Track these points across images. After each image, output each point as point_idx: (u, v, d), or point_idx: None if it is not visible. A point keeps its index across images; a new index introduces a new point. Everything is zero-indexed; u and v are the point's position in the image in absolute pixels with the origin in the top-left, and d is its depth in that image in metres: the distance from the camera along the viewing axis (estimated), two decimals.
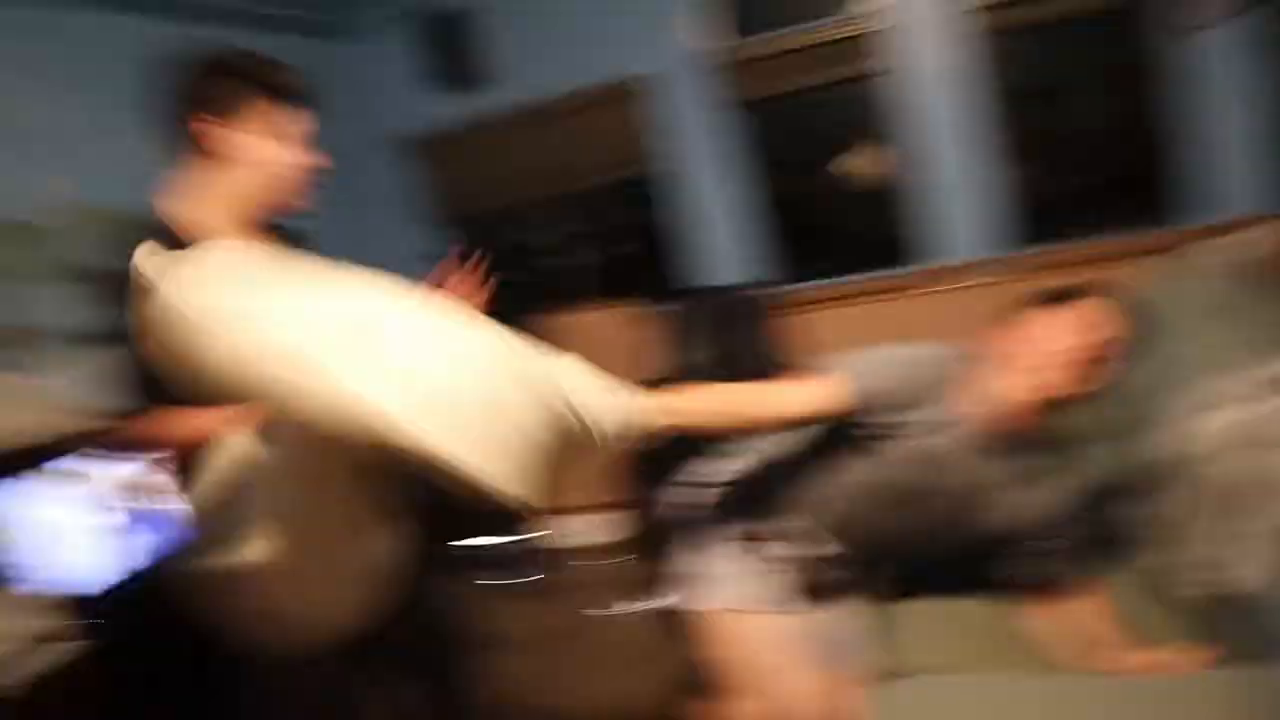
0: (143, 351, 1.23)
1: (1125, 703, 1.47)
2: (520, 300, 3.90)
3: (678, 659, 2.64)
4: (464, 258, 1.76)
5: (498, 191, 4.15)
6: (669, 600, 3.06)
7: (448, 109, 4.05)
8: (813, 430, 1.77)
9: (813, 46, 3.58)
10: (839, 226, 4.02)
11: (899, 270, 3.73)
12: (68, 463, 2.36)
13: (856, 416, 1.64)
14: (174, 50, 1.50)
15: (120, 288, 1.33)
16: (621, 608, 3.17)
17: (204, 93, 1.46)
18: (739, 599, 1.77)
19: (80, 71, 2.85)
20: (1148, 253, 2.75)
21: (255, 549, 1.20)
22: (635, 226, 4.28)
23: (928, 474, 1.68)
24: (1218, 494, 1.67)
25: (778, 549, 1.79)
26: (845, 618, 1.88)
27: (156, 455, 1.43)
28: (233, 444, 1.30)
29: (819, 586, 1.83)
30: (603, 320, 3.87)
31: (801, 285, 3.84)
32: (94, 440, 2.43)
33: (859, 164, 3.85)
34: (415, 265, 1.78)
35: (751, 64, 3.66)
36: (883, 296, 3.66)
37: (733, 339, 3.55)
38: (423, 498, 1.43)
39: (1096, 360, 1.60)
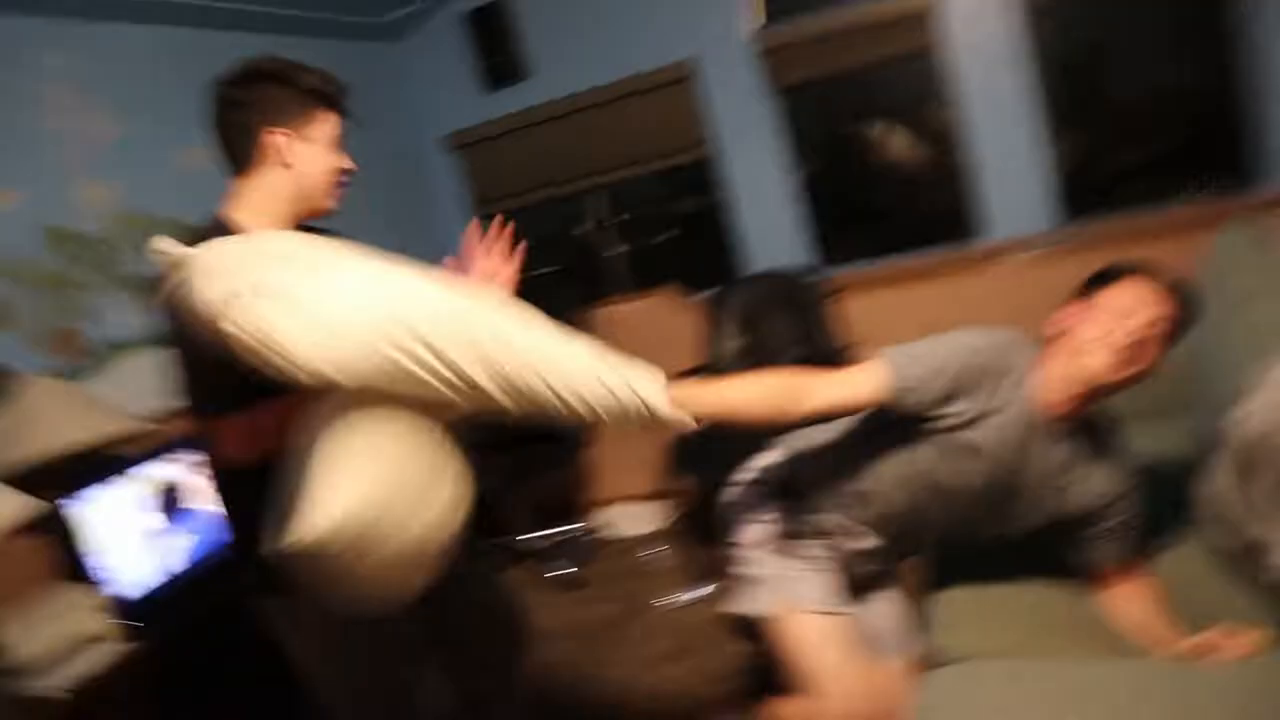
0: (206, 346, 1.28)
1: (1181, 687, 1.44)
2: (564, 291, 3.94)
3: (723, 649, 2.65)
4: (491, 231, 1.73)
5: (541, 185, 4.17)
6: (713, 590, 3.07)
7: (490, 105, 4.08)
8: (859, 418, 1.74)
9: (856, 26, 3.52)
10: (887, 207, 3.98)
11: (950, 249, 3.66)
12: (125, 467, 2.42)
13: (903, 405, 1.62)
14: (230, 62, 1.56)
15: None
16: (667, 598, 3.17)
17: (272, 103, 1.52)
18: (791, 600, 1.74)
19: (128, 82, 2.91)
20: (1205, 224, 2.67)
21: (338, 513, 1.24)
22: (678, 215, 4.29)
23: (978, 462, 1.64)
24: (1276, 473, 1.62)
25: (822, 547, 1.77)
26: (890, 607, 1.87)
27: (236, 450, 1.45)
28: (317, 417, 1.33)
29: (862, 579, 1.81)
30: (646, 310, 3.87)
31: (849, 268, 3.80)
32: (157, 443, 2.51)
33: (906, 143, 3.80)
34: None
35: (794, 47, 3.61)
36: (933, 277, 3.60)
37: (775, 326, 3.52)
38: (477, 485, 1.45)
39: (1154, 340, 1.56)
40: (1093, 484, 1.67)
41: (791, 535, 1.79)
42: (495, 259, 1.71)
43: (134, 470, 2.43)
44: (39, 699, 2.04)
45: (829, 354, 3.30)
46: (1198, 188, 3.35)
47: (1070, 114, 3.43)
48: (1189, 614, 1.67)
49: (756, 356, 3.40)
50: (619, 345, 1.48)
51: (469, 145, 4.22)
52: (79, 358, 2.60)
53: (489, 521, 3.62)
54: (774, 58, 3.65)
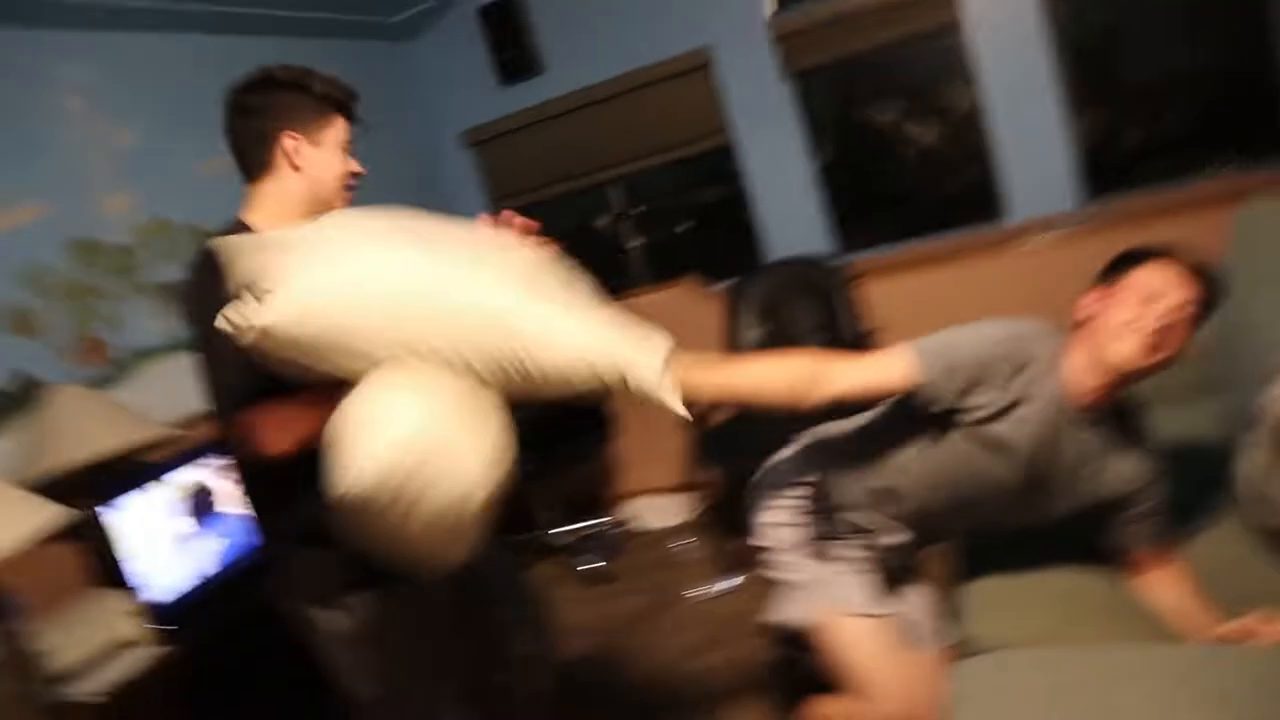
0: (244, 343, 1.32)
1: (1218, 673, 1.41)
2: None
3: (754, 642, 2.64)
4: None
5: (558, 178, 4.17)
6: (743, 581, 3.06)
7: (505, 100, 4.08)
8: (884, 414, 1.73)
9: (873, 7, 3.47)
10: (908, 191, 3.94)
11: (972, 232, 3.62)
12: (154, 474, 2.45)
13: (927, 395, 1.59)
14: (245, 67, 1.60)
15: (206, 294, 1.43)
16: (697, 590, 3.16)
17: (285, 110, 1.56)
18: (834, 604, 1.71)
19: (145, 91, 2.93)
20: (1226, 200, 2.62)
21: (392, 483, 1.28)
22: (697, 205, 4.27)
23: (1007, 455, 1.61)
24: None
25: (857, 546, 1.75)
26: (921, 598, 1.85)
27: (272, 442, 1.46)
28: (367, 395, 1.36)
29: (896, 574, 1.79)
30: (667, 301, 3.86)
31: (870, 253, 3.77)
32: (185, 448, 2.53)
33: (926, 125, 3.76)
34: None
35: (810, 30, 3.57)
36: (955, 260, 3.54)
37: (796, 314, 3.50)
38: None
39: (1182, 324, 1.52)
40: (1123, 469, 1.64)
41: (825, 536, 1.75)
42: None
43: (163, 476, 2.45)
44: (75, 704, 2.07)
45: (851, 341, 3.28)
46: (1219, 165, 3.29)
47: (1090, 92, 3.38)
48: (1226, 598, 1.64)
49: (778, 345, 3.38)
50: None
51: (485, 141, 4.22)
52: (105, 366, 2.63)
53: (517, 516, 3.63)
54: (790, 42, 3.61)
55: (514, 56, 3.97)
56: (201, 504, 2.53)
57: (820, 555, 1.75)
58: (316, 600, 1.64)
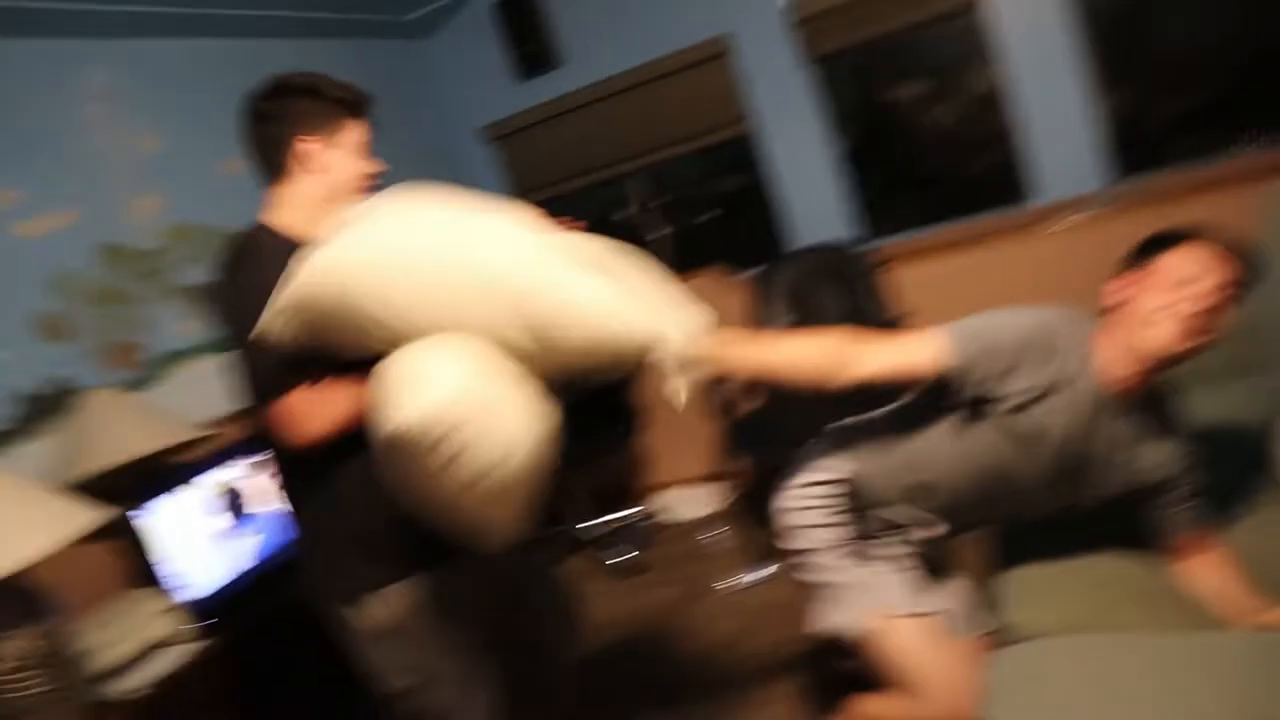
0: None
1: (1264, 659, 1.38)
2: None
3: (788, 633, 2.64)
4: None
5: (580, 171, 4.16)
6: (774, 571, 3.05)
7: (525, 94, 4.07)
8: (917, 406, 1.70)
9: None
10: (933, 174, 3.89)
11: (999, 214, 3.57)
12: (188, 473, 2.48)
13: (959, 380, 1.57)
14: (265, 69, 1.65)
15: (238, 286, 1.51)
16: (728, 581, 3.16)
17: (301, 116, 1.60)
18: (881, 607, 1.68)
19: (168, 96, 2.96)
20: (1258, 176, 2.56)
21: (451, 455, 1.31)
22: (720, 194, 4.25)
23: (1042, 443, 1.58)
24: None
25: (896, 543, 1.72)
26: (958, 587, 1.82)
27: (312, 425, 1.49)
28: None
29: (932, 565, 1.76)
30: (693, 291, 3.82)
31: (897, 238, 3.73)
32: (219, 448, 2.56)
33: (950, 107, 3.71)
34: None
35: (830, 14, 3.53)
36: (984, 243, 3.50)
37: (823, 301, 3.47)
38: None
39: (1219, 306, 1.49)
40: (1157, 456, 1.61)
41: (863, 536, 1.72)
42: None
43: (198, 475, 2.49)
44: (113, 702, 2.10)
45: (878, 327, 3.24)
46: (1249, 141, 3.22)
47: (1117, 68, 3.31)
48: (1270, 584, 1.61)
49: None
50: None
51: (506, 136, 4.21)
52: (136, 370, 2.66)
53: (548, 509, 3.64)
54: (809, 27, 3.58)
55: (532, 50, 3.96)
56: (234, 502, 2.56)
57: (859, 556, 1.72)
58: (349, 594, 1.66)
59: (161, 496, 2.37)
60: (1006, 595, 1.80)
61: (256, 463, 2.59)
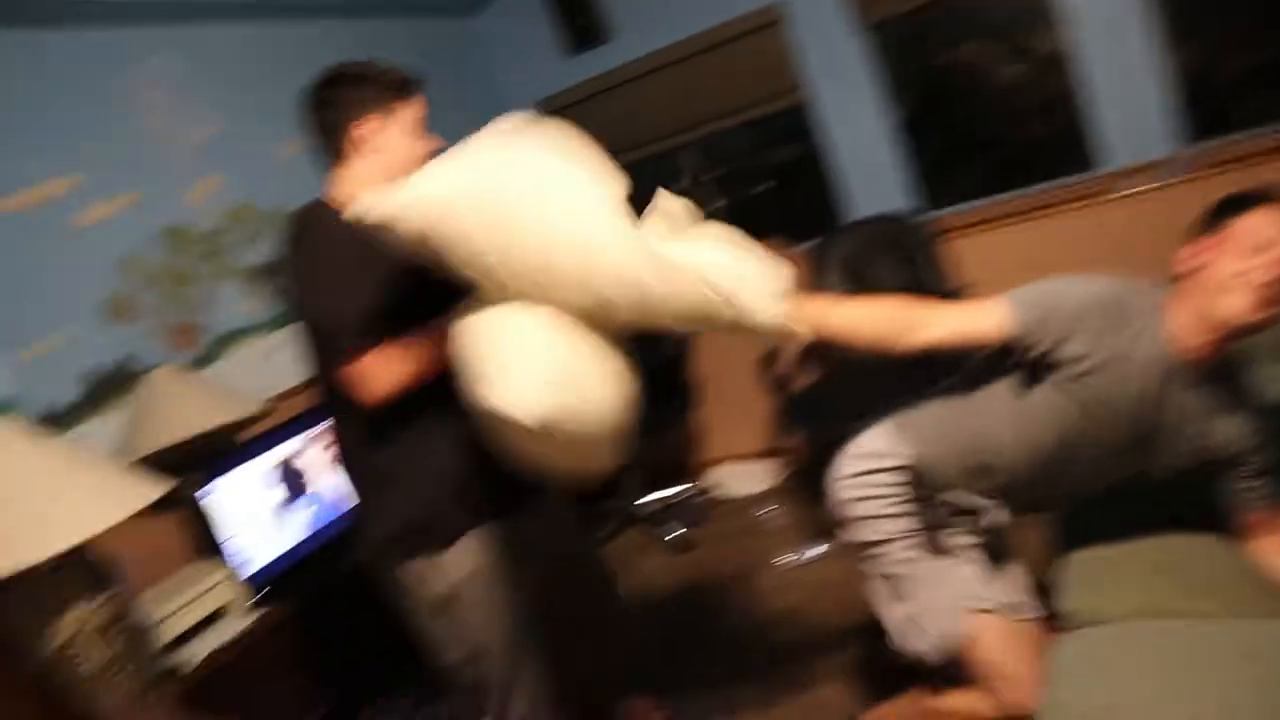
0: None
1: None
2: None
3: (839, 611, 2.61)
4: None
5: (633, 145, 4.12)
6: (826, 549, 3.02)
7: (576, 69, 4.05)
8: (979, 369, 1.65)
9: None
10: (993, 142, 3.77)
11: (1064, 182, 3.45)
12: (248, 448, 2.53)
13: (1023, 345, 1.52)
14: (319, 50, 1.72)
15: (305, 255, 1.62)
16: (782, 558, 3.13)
17: (355, 101, 1.69)
18: (960, 604, 1.62)
19: (225, 80, 3.00)
20: None
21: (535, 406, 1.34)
22: (775, 165, 4.18)
23: (1108, 413, 1.53)
24: None
25: (963, 532, 1.67)
26: (1018, 572, 1.77)
27: (381, 382, 1.57)
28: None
29: (995, 554, 1.71)
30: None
31: (956, 208, 3.63)
32: (277, 423, 2.61)
33: (1010, 71, 3.59)
34: None
35: None
36: (1047, 212, 3.38)
37: (881, 273, 3.41)
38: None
39: None
40: (1228, 429, 1.54)
41: (932, 525, 1.66)
42: None
43: (257, 450, 2.54)
44: (176, 670, 2.16)
45: (939, 299, 3.17)
46: None
47: (1187, 23, 3.15)
48: None
49: None
50: None
51: (557, 112, 4.20)
52: (197, 348, 2.72)
53: (603, 485, 3.65)
54: None
55: (582, 24, 3.93)
56: (293, 476, 2.61)
57: (931, 547, 1.65)
58: (423, 546, 1.73)
59: (222, 471, 2.42)
60: (1068, 580, 1.74)
61: (314, 437, 2.64)
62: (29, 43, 2.48)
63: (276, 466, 2.57)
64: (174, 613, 2.22)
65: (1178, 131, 3.20)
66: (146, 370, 2.46)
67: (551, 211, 1.35)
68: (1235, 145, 3.08)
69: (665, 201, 1.49)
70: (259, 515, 2.49)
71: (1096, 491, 1.73)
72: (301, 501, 2.62)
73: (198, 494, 2.36)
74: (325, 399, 1.75)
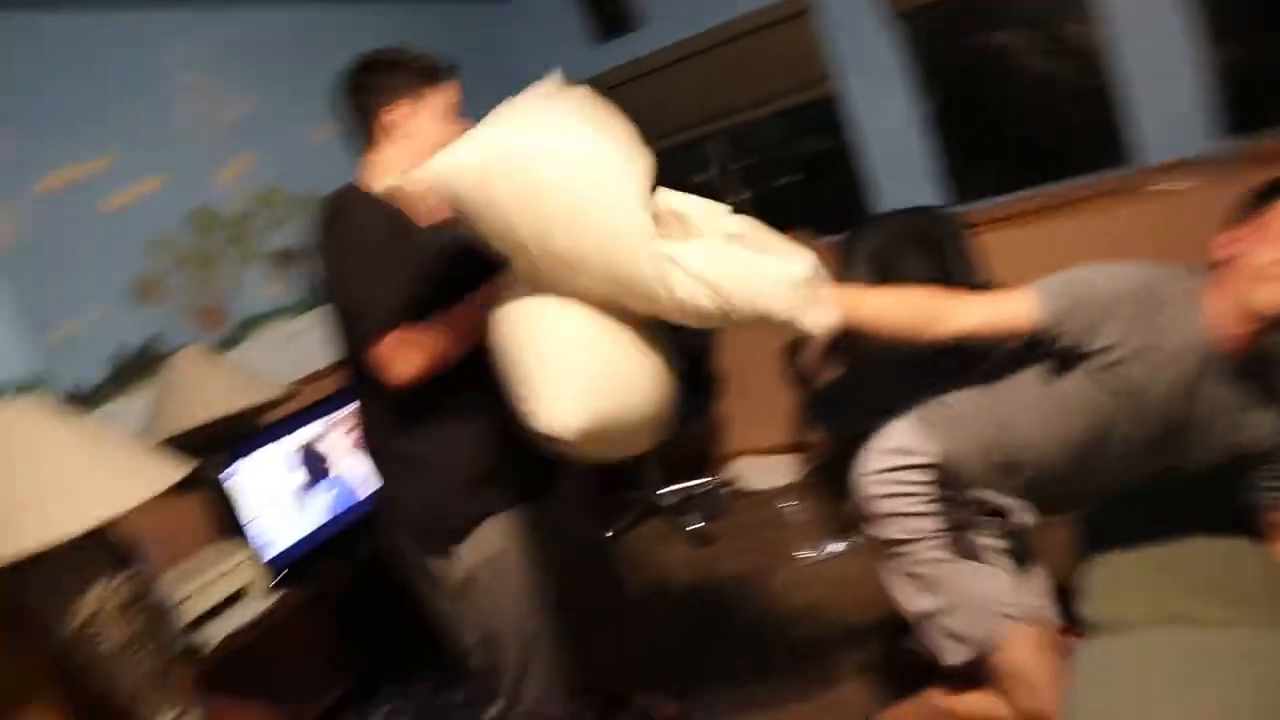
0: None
1: None
2: None
3: (858, 608, 2.59)
4: None
5: (660, 134, 4.09)
6: (847, 545, 3.00)
7: (604, 56, 4.02)
8: (1007, 360, 1.62)
9: None
10: (1026, 135, 3.71)
11: (1097, 178, 3.39)
12: (271, 431, 2.55)
13: (1053, 335, 1.49)
14: (349, 36, 1.72)
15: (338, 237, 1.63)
16: (802, 553, 3.11)
17: (387, 87, 1.72)
18: (990, 610, 1.58)
19: (256, 65, 3.01)
20: None
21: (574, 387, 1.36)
22: (803, 156, 4.14)
23: (1139, 403, 1.49)
24: None
25: (992, 534, 1.62)
26: (1044, 581, 1.73)
27: (409, 363, 1.58)
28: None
29: (1020, 556, 1.67)
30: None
31: (986, 203, 3.58)
32: (300, 407, 2.63)
33: (1044, 64, 3.53)
34: None
35: None
36: (1080, 208, 3.32)
37: (908, 267, 3.37)
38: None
39: None
40: (1262, 422, 1.50)
41: (961, 525, 1.61)
42: None
43: (280, 434, 2.55)
44: (197, 649, 2.17)
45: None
46: None
47: (1226, 21, 3.08)
48: None
49: None
50: None
51: None
52: (222, 331, 2.73)
53: (624, 474, 3.64)
54: None
55: (610, 11, 3.91)
56: (315, 460, 2.62)
57: (958, 549, 1.61)
58: (449, 531, 1.74)
59: (245, 453, 2.44)
60: (1089, 586, 1.71)
61: (336, 422, 2.65)
62: (64, 25, 2.50)
63: (298, 450, 2.59)
64: (194, 593, 2.24)
65: (1216, 128, 3.13)
66: (172, 351, 2.48)
67: (582, 192, 1.34)
68: (1275, 142, 3.01)
69: (673, 200, 1.47)
70: (280, 498, 2.51)
71: (1124, 488, 1.69)
72: (322, 485, 2.63)
73: (221, 476, 2.38)
74: (353, 382, 1.76)
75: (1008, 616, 1.57)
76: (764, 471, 3.82)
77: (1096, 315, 1.45)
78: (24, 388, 2.19)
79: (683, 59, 3.89)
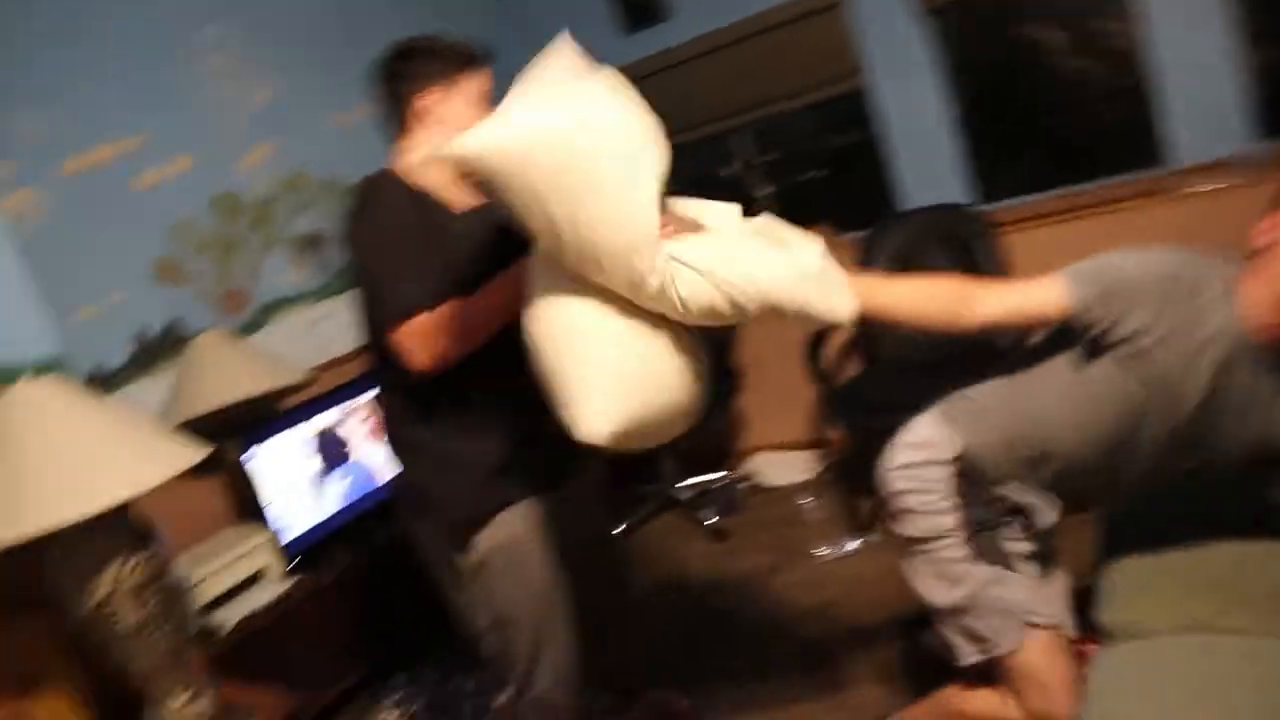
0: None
1: None
2: None
3: (874, 607, 2.57)
4: None
5: (687, 126, 4.07)
6: (864, 543, 2.97)
7: (631, 47, 4.00)
8: (1036, 349, 1.58)
9: None
10: (1057, 134, 3.66)
11: (1130, 178, 3.34)
12: (290, 416, 2.56)
13: (1083, 321, 1.45)
14: (373, 23, 1.71)
15: (370, 221, 1.65)
16: (819, 550, 3.09)
17: (421, 74, 1.73)
18: (1013, 615, 1.55)
19: (283, 49, 3.01)
20: None
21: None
22: (830, 151, 4.11)
23: (1169, 392, 1.45)
24: None
25: (1016, 535, 1.59)
26: (1065, 585, 1.71)
27: (431, 350, 1.58)
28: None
29: (1042, 559, 1.64)
30: None
31: (1015, 202, 3.53)
32: (320, 392, 2.64)
33: (1078, 61, 3.47)
34: None
35: None
36: (1111, 209, 3.25)
37: (934, 265, 3.33)
38: None
39: None
40: None
41: (986, 525, 1.58)
42: None
43: (299, 419, 2.56)
44: (213, 631, 2.19)
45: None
46: None
47: (1266, 22, 3.02)
48: None
49: None
50: None
51: None
52: (244, 314, 2.74)
53: (641, 468, 3.64)
54: None
55: (638, 2, 3.89)
56: (333, 446, 2.63)
57: (983, 550, 1.57)
58: (470, 517, 1.75)
59: (264, 438, 2.45)
60: (1108, 592, 1.68)
61: (354, 409, 2.66)
62: (94, 6, 2.50)
63: (317, 435, 2.59)
64: (211, 575, 2.26)
65: (1252, 129, 3.07)
66: (194, 335, 2.49)
67: (605, 168, 1.34)
68: None
69: (687, 207, 1.48)
70: (297, 483, 2.52)
71: (1151, 486, 1.65)
72: (340, 471, 2.64)
73: (240, 459, 2.39)
74: (377, 368, 1.77)
75: (1026, 622, 1.54)
76: (782, 467, 3.80)
77: (1126, 300, 1.42)
78: (45, 368, 2.21)
79: (711, 51, 3.86)
